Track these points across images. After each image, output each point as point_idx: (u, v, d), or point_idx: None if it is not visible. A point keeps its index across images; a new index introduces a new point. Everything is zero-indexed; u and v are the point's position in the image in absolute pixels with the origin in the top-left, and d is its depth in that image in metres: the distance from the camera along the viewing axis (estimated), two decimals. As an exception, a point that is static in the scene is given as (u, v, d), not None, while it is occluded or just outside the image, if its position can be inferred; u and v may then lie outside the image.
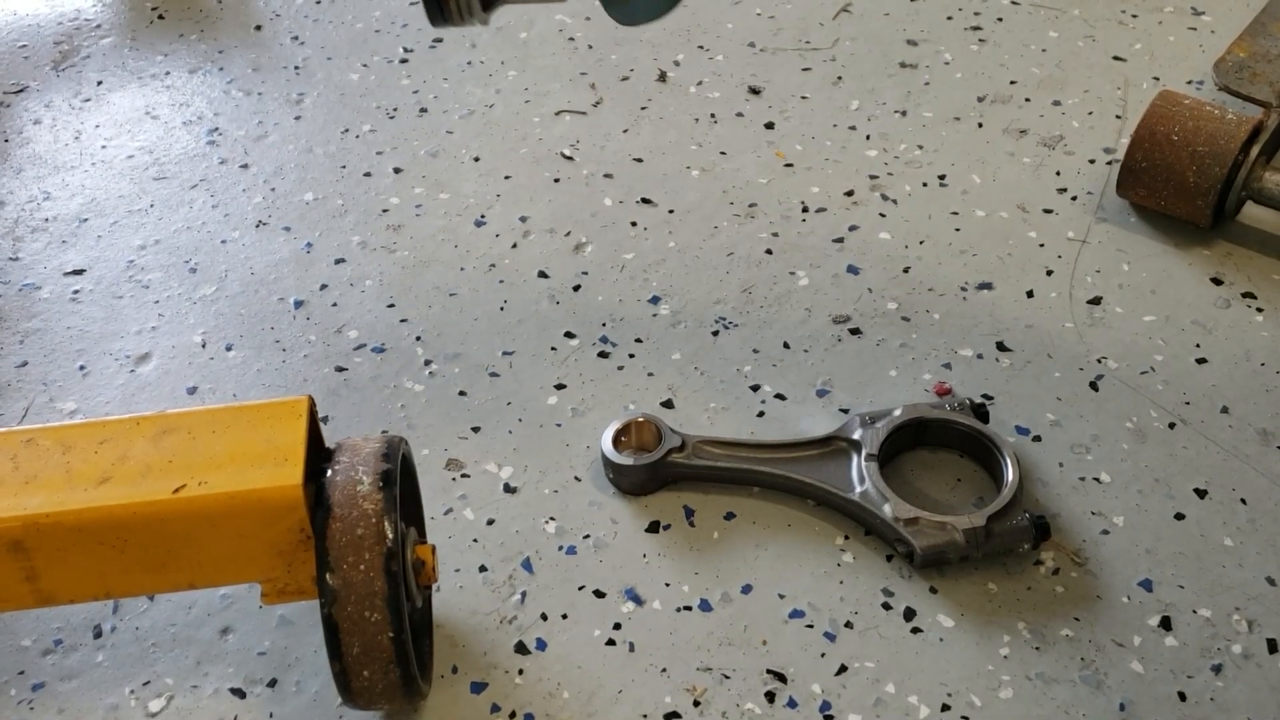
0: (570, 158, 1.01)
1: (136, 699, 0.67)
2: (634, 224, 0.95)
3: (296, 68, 1.11)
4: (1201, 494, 0.75)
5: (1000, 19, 1.15)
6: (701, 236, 0.93)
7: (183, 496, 0.56)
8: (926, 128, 1.03)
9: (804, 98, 1.07)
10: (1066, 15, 1.14)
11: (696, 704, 0.66)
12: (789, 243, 0.93)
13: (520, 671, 0.67)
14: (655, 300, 0.88)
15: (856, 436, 0.75)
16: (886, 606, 0.70)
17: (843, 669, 0.67)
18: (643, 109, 1.06)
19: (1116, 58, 1.09)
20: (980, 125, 1.03)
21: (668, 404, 0.81)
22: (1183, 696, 0.66)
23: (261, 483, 0.56)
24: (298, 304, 0.89)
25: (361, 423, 0.81)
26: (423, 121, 1.05)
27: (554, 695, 0.66)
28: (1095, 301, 0.88)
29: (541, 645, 0.69)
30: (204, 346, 0.86)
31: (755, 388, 0.82)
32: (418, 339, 0.86)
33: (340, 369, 0.84)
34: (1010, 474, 0.72)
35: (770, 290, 0.89)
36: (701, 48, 1.12)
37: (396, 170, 1.00)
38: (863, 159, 1.00)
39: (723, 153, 1.01)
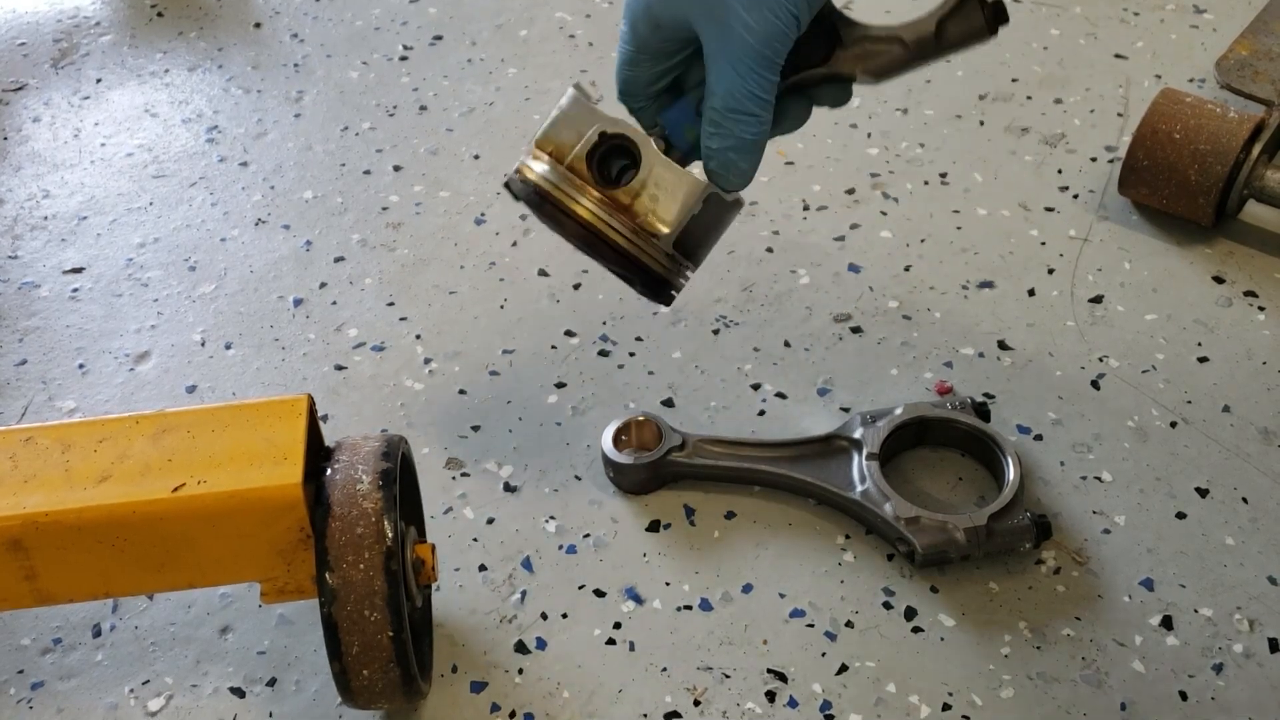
0: (570, 156, 1.01)
1: (136, 698, 0.67)
2: (634, 222, 0.94)
3: (296, 65, 1.11)
4: (1203, 493, 0.75)
5: (1001, 17, 1.15)
6: (702, 235, 0.93)
7: (182, 495, 0.56)
8: (928, 126, 1.03)
9: (805, 96, 1.06)
10: (1068, 13, 1.14)
11: (697, 703, 0.66)
12: (790, 241, 0.92)
13: (520, 671, 0.67)
14: (656, 299, 0.88)
15: (857, 435, 0.75)
16: (887, 606, 0.70)
17: (843, 668, 0.67)
18: (643, 107, 1.06)
19: (1118, 56, 1.09)
20: (982, 123, 1.03)
21: (668, 403, 0.81)
22: (1184, 696, 0.66)
23: (261, 482, 0.56)
24: (297, 302, 0.89)
25: (361, 421, 0.80)
26: (423, 119, 1.05)
27: (554, 695, 0.66)
28: (1097, 300, 0.88)
29: (541, 644, 0.69)
30: (203, 345, 0.86)
31: (756, 386, 0.82)
32: (417, 337, 0.86)
33: (340, 367, 0.84)
34: (1011, 473, 0.72)
35: (771, 288, 0.89)
36: (702, 45, 1.12)
37: (396, 168, 1.00)
38: (864, 157, 1.00)
39: (723, 151, 1.01)
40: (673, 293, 0.65)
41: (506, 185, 0.66)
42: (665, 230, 0.62)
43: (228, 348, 0.86)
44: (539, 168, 0.63)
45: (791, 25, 0.59)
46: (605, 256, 0.63)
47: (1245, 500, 0.75)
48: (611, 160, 0.63)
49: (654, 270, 0.63)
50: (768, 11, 0.58)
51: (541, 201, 0.63)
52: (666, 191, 0.62)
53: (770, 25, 0.59)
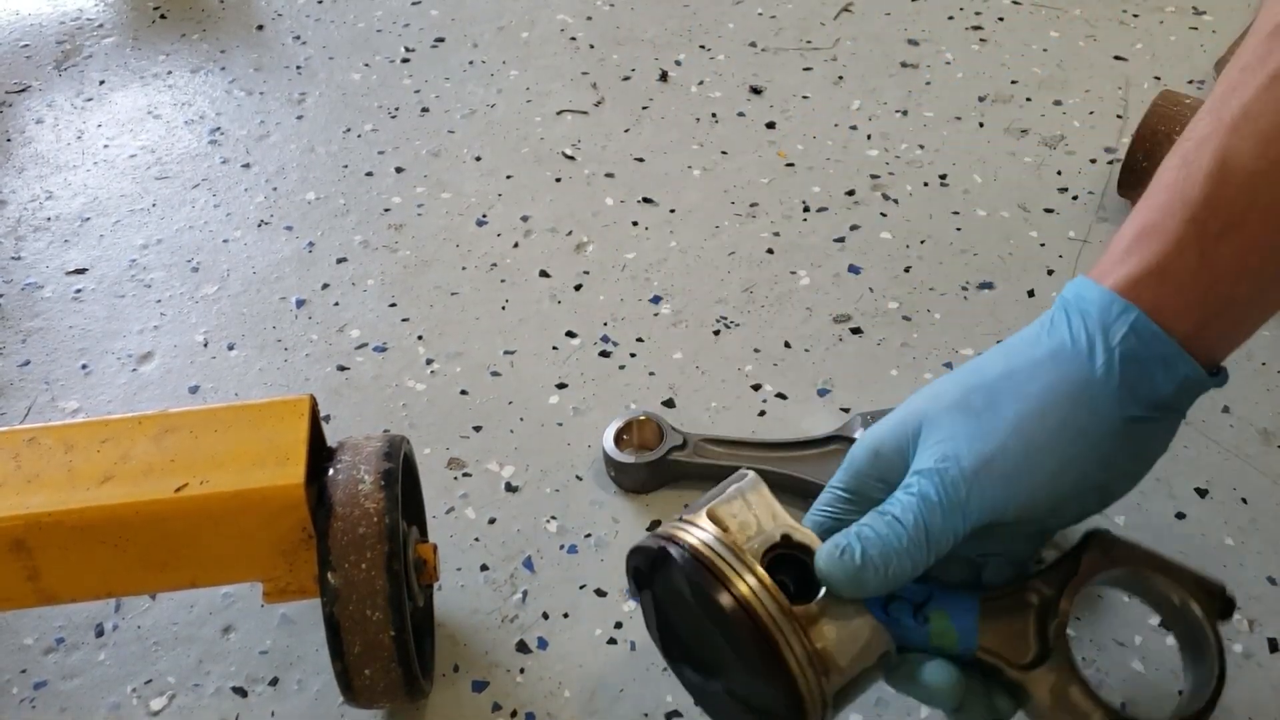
0: (572, 157, 1.01)
1: (138, 697, 0.67)
2: (635, 223, 0.95)
3: (298, 67, 1.11)
4: (1202, 493, 0.75)
5: (1001, 19, 1.15)
6: (703, 236, 0.93)
7: (184, 495, 0.56)
8: (927, 127, 1.03)
9: (805, 97, 1.07)
10: (1068, 15, 1.14)
11: (698, 703, 0.66)
12: (790, 242, 0.93)
13: (522, 670, 0.68)
14: (656, 300, 0.88)
15: (858, 436, 0.75)
16: (887, 606, 0.70)
17: (844, 668, 0.67)
18: (644, 108, 1.06)
19: (1118, 57, 1.10)
20: (981, 125, 1.03)
21: (669, 403, 0.81)
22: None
23: (263, 482, 0.56)
24: (299, 303, 0.89)
25: (363, 422, 0.81)
26: (424, 121, 1.05)
27: (555, 694, 0.67)
28: (1096, 301, 0.88)
29: (543, 644, 0.69)
30: (206, 345, 0.86)
31: (756, 387, 0.82)
32: (419, 338, 0.86)
33: (342, 368, 0.84)
34: (1011, 473, 0.72)
35: (771, 290, 0.89)
36: (703, 47, 1.12)
37: (398, 170, 1.00)
38: (864, 159, 1.00)
39: (724, 152, 1.01)
40: None
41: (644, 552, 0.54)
42: (842, 667, 0.49)
43: (230, 348, 0.86)
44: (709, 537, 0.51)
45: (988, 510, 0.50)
46: (752, 665, 0.49)
47: (1244, 501, 0.75)
48: (780, 570, 0.52)
49: (807, 707, 0.49)
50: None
51: (700, 570, 0.50)
52: (848, 629, 0.50)
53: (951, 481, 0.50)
